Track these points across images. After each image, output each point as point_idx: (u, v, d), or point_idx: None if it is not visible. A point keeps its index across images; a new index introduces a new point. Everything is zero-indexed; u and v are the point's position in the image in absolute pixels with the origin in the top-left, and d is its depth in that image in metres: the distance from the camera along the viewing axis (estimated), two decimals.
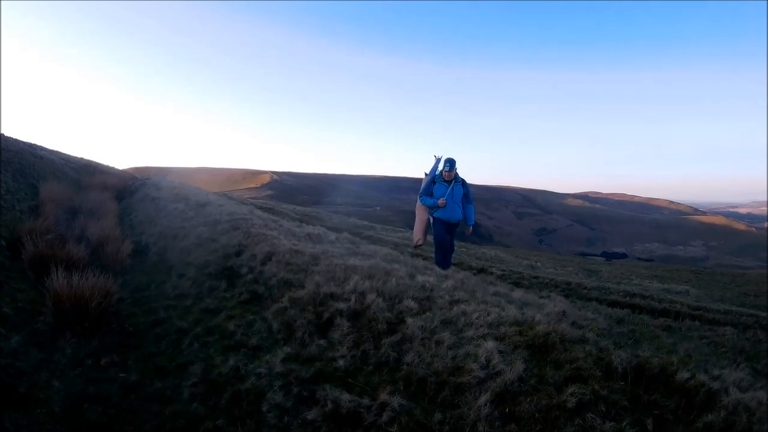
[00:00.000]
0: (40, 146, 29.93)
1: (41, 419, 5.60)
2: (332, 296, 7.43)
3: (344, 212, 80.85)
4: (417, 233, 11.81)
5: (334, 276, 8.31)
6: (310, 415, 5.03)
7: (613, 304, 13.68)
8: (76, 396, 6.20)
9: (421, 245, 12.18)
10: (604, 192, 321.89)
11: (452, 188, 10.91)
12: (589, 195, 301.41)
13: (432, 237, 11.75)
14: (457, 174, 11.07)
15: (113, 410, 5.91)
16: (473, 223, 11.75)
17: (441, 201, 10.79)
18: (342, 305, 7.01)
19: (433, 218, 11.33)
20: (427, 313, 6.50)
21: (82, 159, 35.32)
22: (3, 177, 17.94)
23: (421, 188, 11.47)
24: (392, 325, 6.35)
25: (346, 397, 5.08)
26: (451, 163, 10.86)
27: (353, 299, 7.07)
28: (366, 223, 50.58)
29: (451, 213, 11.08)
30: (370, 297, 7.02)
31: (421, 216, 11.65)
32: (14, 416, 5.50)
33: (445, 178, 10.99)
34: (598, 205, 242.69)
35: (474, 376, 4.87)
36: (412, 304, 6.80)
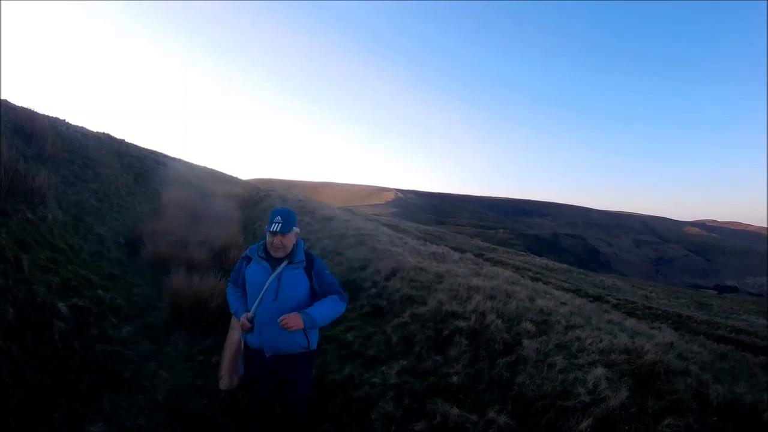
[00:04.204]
0: (163, 154, 31.29)
1: (142, 404, 5.89)
2: (453, 314, 7.63)
3: (467, 233, 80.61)
4: (222, 367, 5.36)
5: (456, 295, 8.49)
6: (418, 426, 5.35)
7: (719, 339, 13.44)
8: (182, 388, 6.47)
9: (227, 390, 5.41)
10: (720, 220, 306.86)
11: (280, 275, 4.72)
12: (706, 223, 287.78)
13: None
14: (300, 245, 4.96)
15: (219, 405, 6.13)
16: (315, 317, 4.71)
17: (243, 320, 4.71)
18: (462, 324, 7.24)
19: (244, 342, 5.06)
20: (543, 337, 6.71)
21: (205, 167, 36.33)
22: (125, 179, 19.04)
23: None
24: (509, 346, 6.57)
25: (455, 411, 5.39)
26: (285, 218, 4.72)
27: (473, 318, 7.28)
28: (488, 245, 50.43)
29: (272, 335, 4.69)
30: (490, 317, 7.24)
31: (230, 335, 5.47)
32: (114, 398, 5.82)
33: (271, 250, 4.80)
34: (714, 234, 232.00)
35: (580, 401, 5.12)
36: (529, 326, 7.01)
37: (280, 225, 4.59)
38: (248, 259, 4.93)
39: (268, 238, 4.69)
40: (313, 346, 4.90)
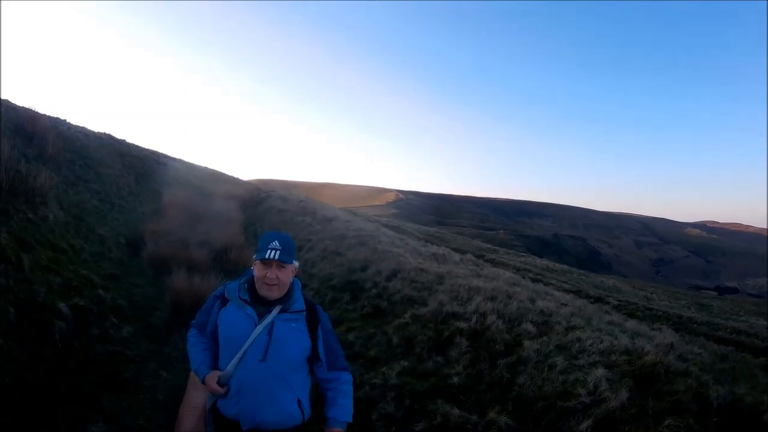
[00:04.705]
0: (164, 154, 31.14)
1: (142, 404, 5.88)
2: (454, 315, 7.68)
3: (468, 234, 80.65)
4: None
5: (457, 296, 8.54)
6: (418, 426, 5.37)
7: (719, 340, 13.50)
8: (182, 388, 6.21)
9: None
10: (720, 221, 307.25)
11: (271, 327, 3.34)
12: (707, 224, 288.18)
13: None
14: (297, 287, 3.58)
15: None
16: (349, 419, 3.48)
17: (212, 383, 3.29)
18: (463, 324, 7.29)
19: (212, 411, 3.50)
20: (544, 338, 6.74)
21: (206, 168, 35.95)
22: (126, 180, 19.10)
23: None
24: (509, 347, 6.60)
25: (456, 412, 5.41)
26: (284, 243, 3.42)
27: (474, 319, 7.34)
28: (489, 246, 50.49)
29: (255, 403, 3.29)
30: (491, 318, 7.28)
31: (189, 395, 4.32)
32: (115, 399, 5.78)
33: (260, 288, 3.41)
34: (714, 236, 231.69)
35: (580, 402, 5.15)
36: (530, 327, 7.05)
37: (278, 252, 3.29)
38: (223, 301, 3.48)
39: (259, 271, 3.34)
40: (307, 416, 3.46)
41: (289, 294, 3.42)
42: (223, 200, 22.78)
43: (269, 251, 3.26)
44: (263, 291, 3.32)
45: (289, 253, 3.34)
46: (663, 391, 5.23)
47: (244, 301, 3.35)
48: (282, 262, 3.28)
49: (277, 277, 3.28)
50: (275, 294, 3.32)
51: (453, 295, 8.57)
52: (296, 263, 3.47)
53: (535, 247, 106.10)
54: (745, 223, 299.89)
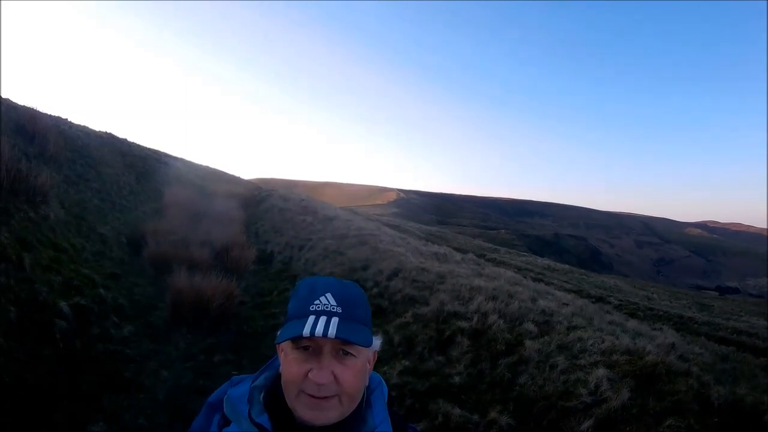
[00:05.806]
0: (165, 153, 31.19)
1: (142, 404, 5.82)
2: (455, 315, 7.65)
3: (469, 233, 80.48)
4: None
5: (458, 295, 8.51)
6: (420, 426, 5.27)
7: (720, 340, 13.47)
8: (183, 387, 6.38)
9: None
10: (721, 221, 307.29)
11: None
12: (708, 224, 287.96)
13: None
14: (378, 398, 1.51)
15: None
16: None
17: None
18: (464, 324, 7.25)
19: None
20: (545, 337, 6.70)
21: (207, 167, 36.15)
22: (127, 179, 19.13)
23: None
24: (511, 347, 6.56)
25: (457, 411, 5.37)
26: (344, 300, 1.38)
27: (475, 319, 7.30)
28: (490, 245, 50.38)
29: None
30: (492, 318, 7.25)
31: None
32: (115, 398, 5.75)
33: (297, 407, 1.33)
34: (715, 235, 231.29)
35: (581, 402, 5.12)
36: (531, 327, 7.01)
37: (336, 320, 1.35)
38: (225, 418, 1.52)
39: (293, 366, 1.37)
40: None
41: (358, 414, 1.47)
42: (224, 199, 22.88)
43: (314, 319, 1.36)
44: (304, 411, 1.36)
45: (358, 319, 1.42)
46: (664, 391, 5.20)
47: (263, 429, 1.41)
48: (345, 343, 1.36)
49: (335, 379, 1.36)
50: (332, 416, 1.38)
51: (454, 295, 8.55)
52: (378, 342, 1.51)
53: (536, 246, 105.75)
54: (745, 223, 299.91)
